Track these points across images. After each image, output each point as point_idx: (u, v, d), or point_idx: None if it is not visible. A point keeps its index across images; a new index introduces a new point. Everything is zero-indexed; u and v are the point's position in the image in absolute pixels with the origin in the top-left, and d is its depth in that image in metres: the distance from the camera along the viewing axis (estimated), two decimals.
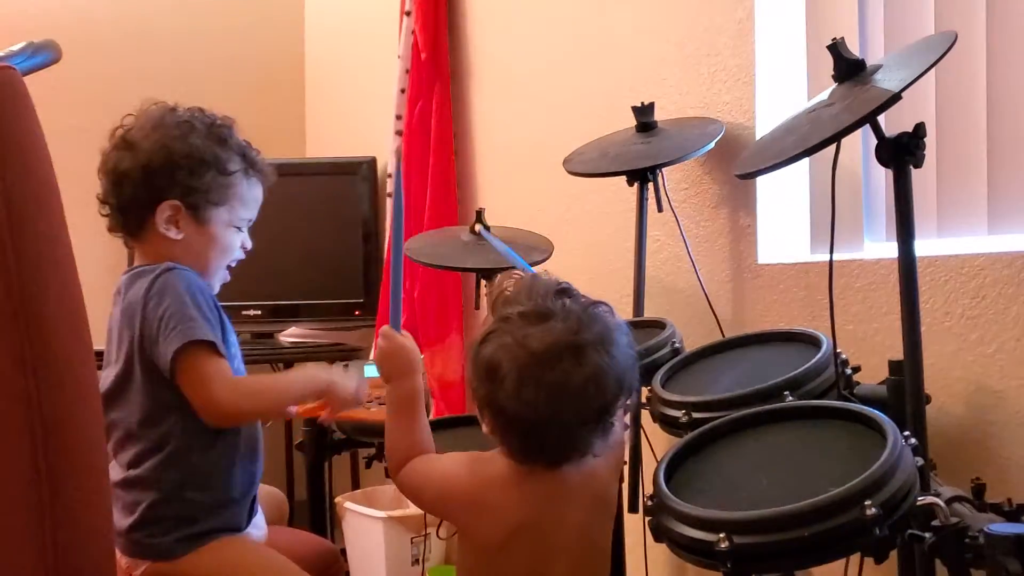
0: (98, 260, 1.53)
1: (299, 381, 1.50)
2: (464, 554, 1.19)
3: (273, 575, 1.42)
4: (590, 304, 1.10)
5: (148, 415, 1.39)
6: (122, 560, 1.40)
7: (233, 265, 1.53)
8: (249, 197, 1.49)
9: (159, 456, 1.39)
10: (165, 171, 1.41)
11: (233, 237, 1.49)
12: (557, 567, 1.12)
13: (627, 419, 1.24)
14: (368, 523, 2.41)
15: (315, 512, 2.13)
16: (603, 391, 1.05)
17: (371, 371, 1.96)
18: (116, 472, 1.41)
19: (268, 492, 1.76)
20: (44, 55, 1.34)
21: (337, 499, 2.52)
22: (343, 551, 2.45)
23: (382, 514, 2.37)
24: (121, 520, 1.38)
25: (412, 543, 2.39)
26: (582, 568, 1.13)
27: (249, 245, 1.53)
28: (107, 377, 1.43)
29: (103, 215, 1.47)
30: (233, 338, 1.48)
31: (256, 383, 1.49)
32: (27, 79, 1.05)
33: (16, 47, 1.32)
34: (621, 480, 1.75)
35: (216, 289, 1.50)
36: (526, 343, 1.05)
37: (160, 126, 1.43)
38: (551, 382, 1.04)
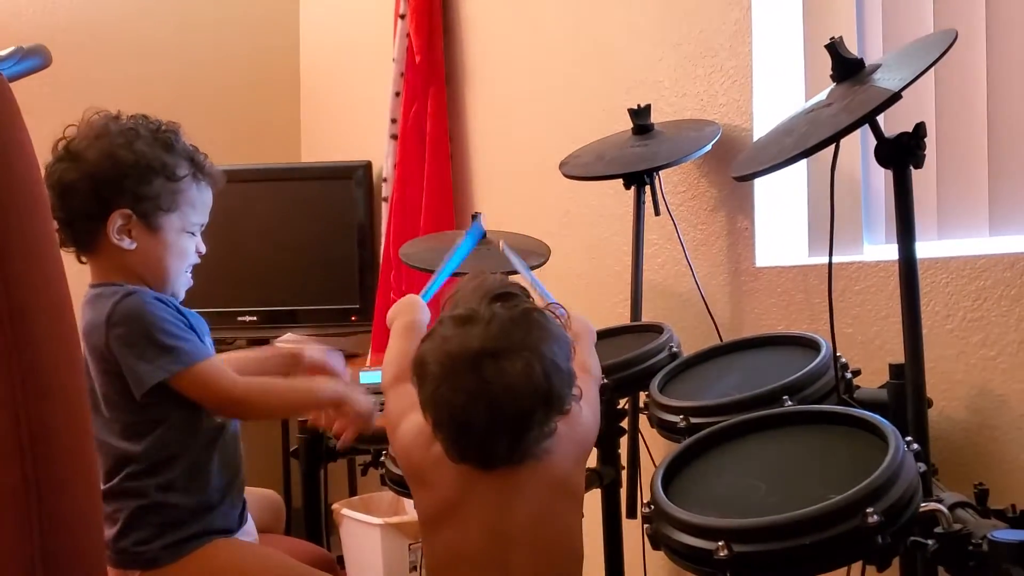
0: (86, 267, 1.50)
1: (311, 387, 1.52)
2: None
3: (270, 572, 1.41)
4: (524, 311, 1.08)
5: (122, 428, 1.38)
6: (111, 573, 1.38)
7: (188, 271, 1.50)
8: (199, 201, 1.47)
9: (137, 466, 1.37)
10: (113, 180, 1.38)
11: (187, 242, 1.47)
12: (516, 556, 1.10)
13: (594, 406, 1.22)
14: (365, 530, 2.39)
15: (311, 519, 2.11)
16: (518, 400, 1.04)
17: (367, 377, 1.95)
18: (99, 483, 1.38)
19: (264, 495, 1.75)
20: (33, 60, 1.32)
21: (334, 506, 2.50)
22: (340, 558, 2.43)
23: (379, 521, 2.35)
24: (106, 531, 1.35)
25: (410, 549, 2.37)
26: (545, 558, 1.11)
27: (203, 249, 1.50)
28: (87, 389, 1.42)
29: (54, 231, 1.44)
30: (208, 340, 1.47)
31: (265, 381, 1.49)
32: (16, 84, 1.04)
33: (4, 52, 1.30)
34: (619, 486, 1.75)
35: (181, 296, 1.48)
36: (446, 346, 1.06)
37: (104, 134, 1.40)
38: (465, 387, 1.04)
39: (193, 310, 1.46)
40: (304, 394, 1.51)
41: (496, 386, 1.03)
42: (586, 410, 1.19)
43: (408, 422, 1.16)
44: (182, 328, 1.38)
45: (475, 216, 1.96)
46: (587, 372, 1.26)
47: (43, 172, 1.38)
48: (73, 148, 1.40)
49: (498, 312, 1.06)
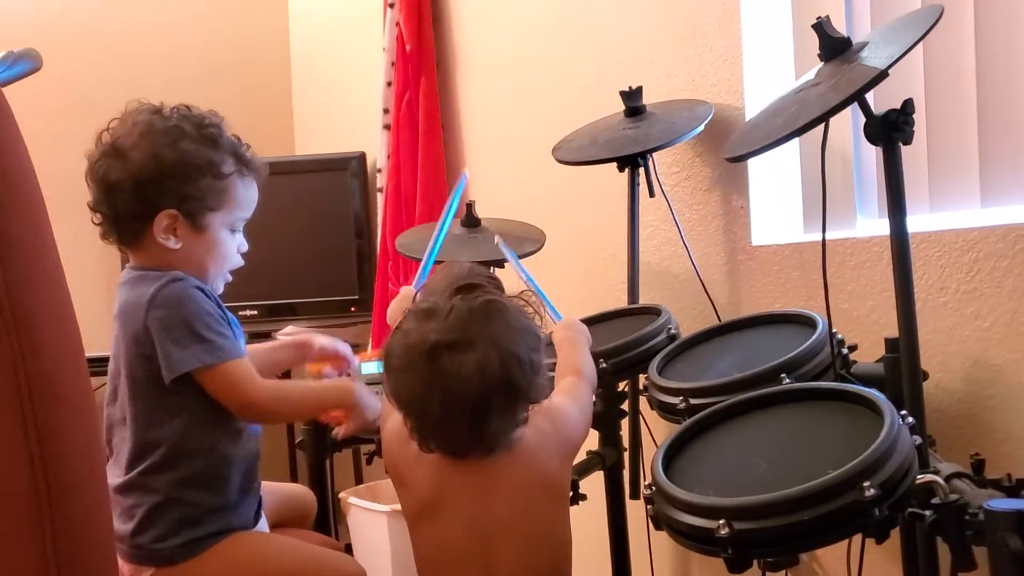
0: (88, 266, 1.52)
1: (328, 388, 1.54)
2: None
3: (291, 562, 1.41)
4: (485, 303, 1.09)
5: (146, 418, 1.37)
6: (125, 568, 1.39)
7: (228, 271, 1.51)
8: (245, 197, 1.46)
9: (158, 458, 1.37)
10: (157, 182, 1.37)
11: (230, 240, 1.47)
12: (502, 552, 1.11)
13: (585, 407, 1.23)
14: (372, 517, 2.41)
15: (318, 509, 2.13)
16: (471, 388, 1.05)
17: (368, 368, 1.96)
18: (114, 476, 1.39)
19: (295, 491, 1.74)
20: (24, 64, 1.33)
21: (341, 495, 2.52)
22: (348, 546, 2.45)
23: (386, 508, 2.37)
24: (121, 526, 1.36)
25: None
26: (531, 553, 1.12)
27: (245, 247, 1.50)
28: (111, 372, 1.43)
29: (95, 223, 1.44)
30: (242, 339, 1.47)
31: (287, 385, 1.51)
32: (9, 87, 1.04)
33: None
34: (621, 468, 1.76)
35: (220, 289, 1.49)
36: (406, 339, 1.08)
37: (149, 133, 1.38)
38: (421, 377, 1.06)
39: None
40: (317, 400, 1.53)
41: (450, 376, 1.05)
42: (573, 409, 1.20)
43: (391, 422, 1.18)
44: (221, 323, 1.38)
45: (469, 207, 1.96)
46: (579, 374, 1.28)
47: (87, 164, 1.41)
48: (119, 145, 1.39)
49: (457, 304, 1.08)
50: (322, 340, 1.68)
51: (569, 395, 1.23)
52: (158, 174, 1.37)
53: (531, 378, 1.09)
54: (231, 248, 1.47)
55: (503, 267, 1.77)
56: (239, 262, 1.50)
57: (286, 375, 2.68)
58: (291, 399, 1.47)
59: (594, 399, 1.29)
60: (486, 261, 1.73)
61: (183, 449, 1.37)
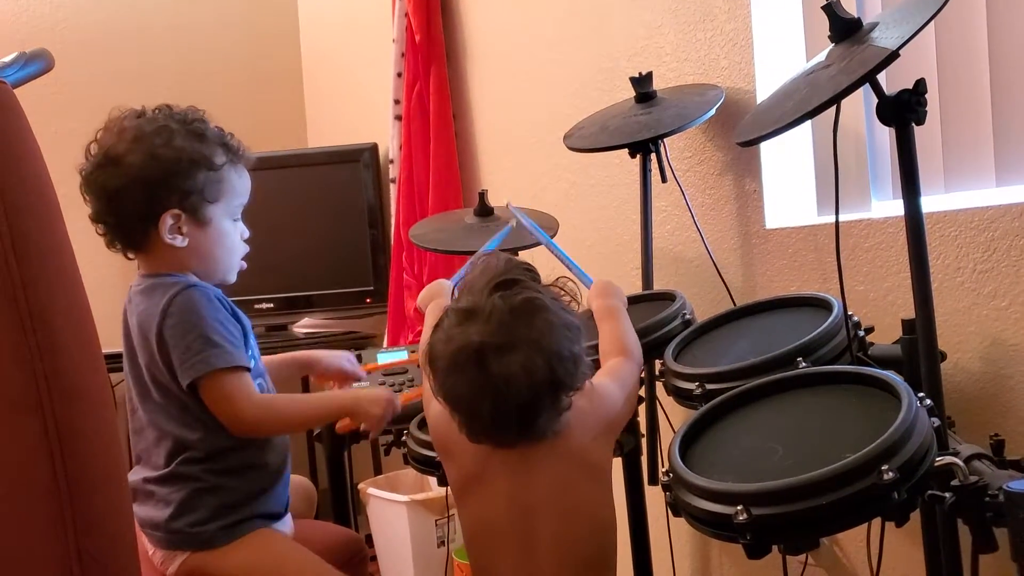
0: (103, 263, 1.53)
1: (322, 403, 1.57)
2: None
3: (305, 571, 1.44)
4: (525, 301, 1.10)
5: (177, 417, 1.42)
6: (156, 555, 1.42)
7: (240, 258, 1.53)
8: (240, 185, 1.49)
9: (196, 452, 1.41)
10: (161, 180, 1.39)
11: (233, 229, 1.50)
12: (541, 525, 1.14)
13: (627, 386, 1.25)
14: (392, 507, 2.42)
15: (338, 500, 2.15)
16: (520, 392, 1.07)
17: (384, 357, 1.97)
18: (152, 469, 1.43)
19: (296, 482, 1.78)
20: (36, 65, 1.33)
21: (360, 485, 2.54)
22: (368, 537, 2.47)
23: (405, 498, 2.38)
24: (158, 513, 1.40)
25: (436, 525, 2.40)
26: (570, 530, 1.15)
27: (247, 234, 1.53)
28: (135, 377, 1.46)
29: (100, 234, 1.46)
30: (253, 340, 1.51)
31: (281, 403, 1.51)
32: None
33: (8, 58, 1.32)
34: (639, 454, 1.76)
35: (233, 279, 1.52)
36: (450, 343, 1.09)
37: (140, 137, 1.40)
38: (469, 380, 1.08)
39: None
40: (314, 415, 1.56)
41: (498, 379, 1.06)
42: (614, 388, 1.22)
43: (436, 405, 1.20)
44: (231, 330, 1.41)
45: (481, 195, 1.96)
46: (623, 353, 1.29)
47: (80, 177, 1.43)
48: (112, 153, 1.41)
49: (497, 304, 1.08)
50: (326, 360, 1.72)
51: (611, 375, 1.25)
52: (160, 173, 1.39)
53: (574, 372, 1.11)
54: (235, 237, 1.50)
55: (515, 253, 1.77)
56: (245, 249, 1.52)
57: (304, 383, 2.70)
58: (282, 417, 1.47)
59: (642, 373, 1.30)
60: (509, 248, 1.74)
61: (218, 444, 1.42)
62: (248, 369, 1.41)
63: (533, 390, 1.07)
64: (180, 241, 1.42)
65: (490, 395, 1.07)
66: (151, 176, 1.39)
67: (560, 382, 1.09)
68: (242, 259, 1.53)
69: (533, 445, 1.13)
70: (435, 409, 1.21)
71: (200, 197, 1.42)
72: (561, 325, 1.11)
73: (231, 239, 1.49)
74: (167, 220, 1.41)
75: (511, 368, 1.06)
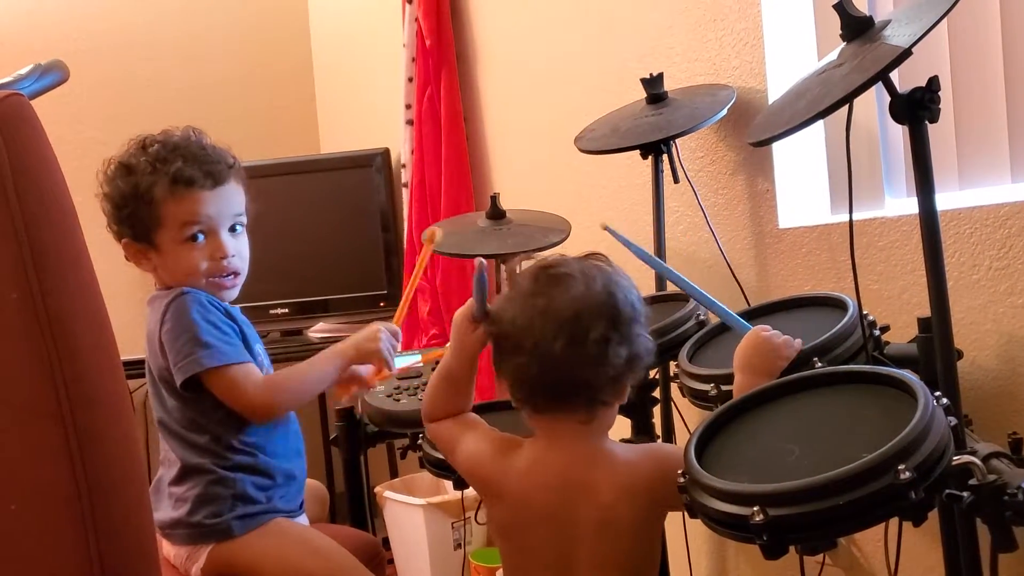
0: (120, 271, 1.55)
1: (322, 363, 1.56)
2: (491, 531, 1.31)
3: (333, 563, 1.47)
4: (593, 266, 1.20)
5: (188, 418, 1.47)
6: (181, 553, 1.46)
7: (219, 277, 1.51)
8: (179, 210, 1.47)
9: (207, 450, 1.46)
10: (111, 216, 1.50)
11: (189, 251, 1.48)
12: (581, 552, 1.17)
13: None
14: (408, 511, 2.43)
15: (354, 504, 2.15)
16: (591, 318, 1.13)
17: (398, 361, 1.98)
18: (169, 471, 1.49)
19: (310, 485, 1.79)
20: (52, 76, 1.36)
21: (376, 489, 2.54)
22: (385, 540, 2.47)
23: (422, 501, 2.39)
24: (176, 512, 1.45)
25: (453, 528, 2.41)
26: (602, 551, 1.17)
27: (225, 252, 1.50)
28: (151, 383, 1.52)
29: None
30: (259, 347, 1.55)
31: (281, 377, 1.53)
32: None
33: (24, 71, 1.33)
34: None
35: (224, 296, 1.53)
36: (520, 287, 1.19)
37: (107, 175, 1.51)
38: (527, 297, 1.16)
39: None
40: (319, 373, 1.55)
41: (561, 301, 1.14)
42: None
43: (469, 442, 1.25)
44: (224, 330, 1.46)
45: (493, 199, 1.96)
46: None
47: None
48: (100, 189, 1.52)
49: (568, 261, 1.20)
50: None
51: None
52: (109, 209, 1.51)
53: (631, 314, 1.17)
54: (194, 256, 1.48)
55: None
56: (222, 267, 1.50)
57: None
58: (289, 388, 1.50)
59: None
60: (516, 253, 1.74)
61: (227, 443, 1.46)
62: (245, 362, 1.46)
63: (590, 308, 1.14)
64: (146, 266, 1.52)
65: (557, 314, 1.13)
66: (107, 211, 1.51)
67: (616, 309, 1.15)
68: (249, 269, 1.55)
69: (583, 461, 1.17)
70: (473, 447, 1.24)
71: (143, 227, 1.48)
72: (629, 285, 1.20)
73: (187, 262, 1.48)
74: (126, 251, 1.52)
75: (584, 293, 1.15)
